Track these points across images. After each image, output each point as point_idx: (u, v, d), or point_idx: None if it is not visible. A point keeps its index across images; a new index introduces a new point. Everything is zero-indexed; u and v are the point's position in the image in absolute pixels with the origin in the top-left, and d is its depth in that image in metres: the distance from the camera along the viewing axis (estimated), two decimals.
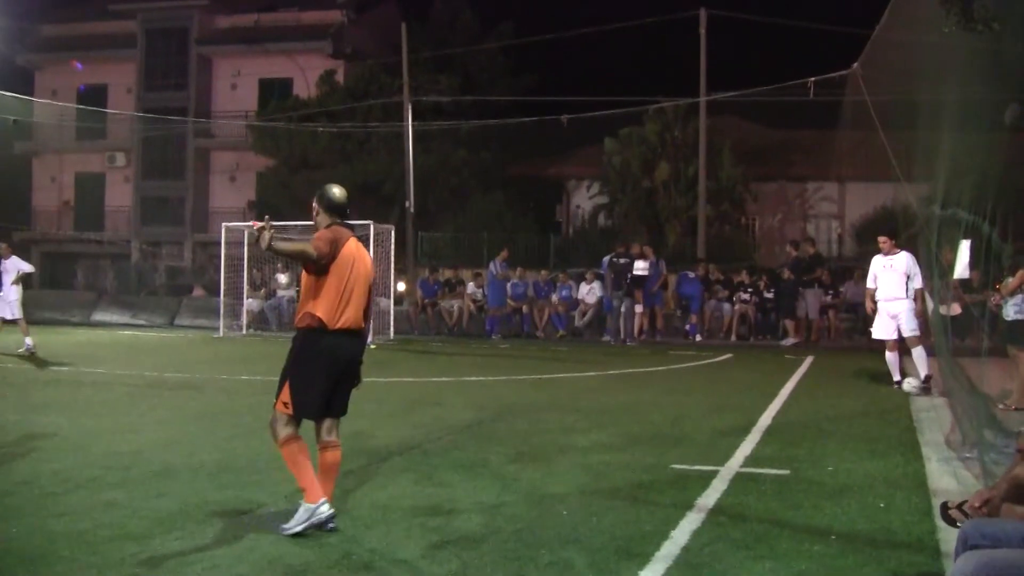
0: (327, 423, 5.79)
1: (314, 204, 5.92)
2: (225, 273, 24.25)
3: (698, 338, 22.31)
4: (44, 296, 31.50)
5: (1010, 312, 10.55)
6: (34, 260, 41.73)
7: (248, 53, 40.65)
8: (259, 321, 24.67)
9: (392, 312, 23.15)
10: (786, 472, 7.30)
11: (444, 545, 5.37)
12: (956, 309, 10.61)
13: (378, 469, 7.39)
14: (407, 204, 29.74)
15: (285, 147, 35.02)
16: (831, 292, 22.07)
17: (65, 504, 6.21)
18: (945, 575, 4.82)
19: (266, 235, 5.37)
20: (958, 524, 4.38)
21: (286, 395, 5.67)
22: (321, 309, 5.62)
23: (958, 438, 8.40)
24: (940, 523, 5.39)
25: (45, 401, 11.17)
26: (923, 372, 12.04)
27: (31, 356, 16.35)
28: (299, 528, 5.43)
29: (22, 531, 5.61)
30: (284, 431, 5.65)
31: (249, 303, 24.47)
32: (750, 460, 7.80)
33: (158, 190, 42.22)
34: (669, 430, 9.38)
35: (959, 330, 10.59)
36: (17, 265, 17.08)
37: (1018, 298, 10.42)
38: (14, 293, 16.89)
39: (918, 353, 12.08)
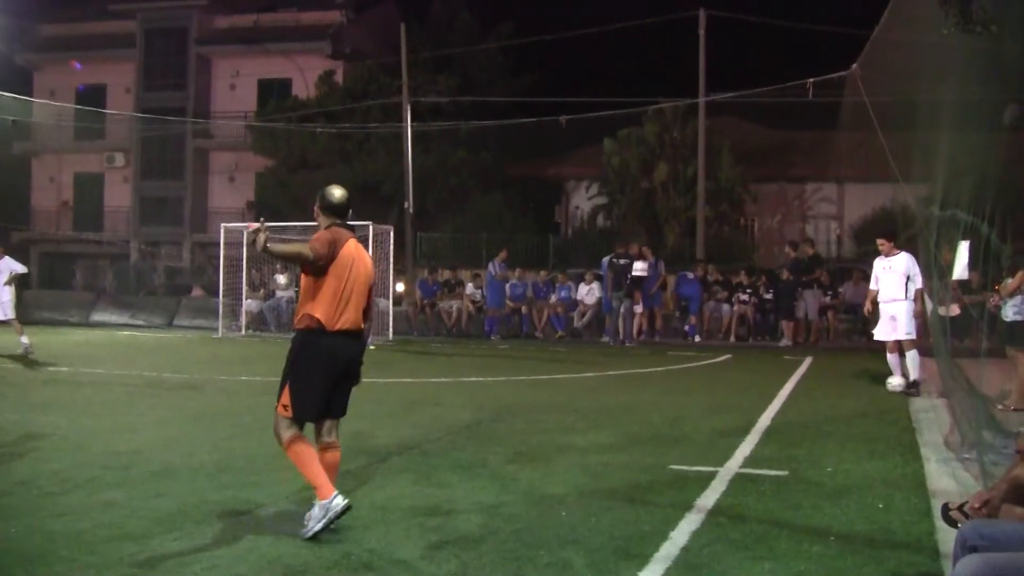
0: (327, 424, 5.80)
1: (315, 205, 5.91)
2: (224, 273, 24.24)
3: (697, 339, 22.31)
4: (43, 296, 31.54)
5: (1009, 313, 10.55)
6: (33, 260, 41.86)
7: (247, 53, 40.64)
8: (258, 322, 24.65)
9: (391, 313, 23.14)
10: (785, 473, 7.30)
11: (443, 545, 5.37)
12: (955, 310, 10.61)
13: (377, 469, 7.38)
14: (406, 205, 29.72)
15: (284, 147, 35.04)
16: (830, 293, 22.07)
17: (64, 504, 6.21)
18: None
19: (261, 237, 5.35)
20: (959, 525, 4.39)
21: (286, 397, 5.66)
22: (320, 310, 5.62)
23: (957, 439, 8.41)
24: (939, 524, 5.39)
25: (44, 401, 11.17)
26: (913, 375, 12.02)
27: (24, 356, 16.27)
28: (319, 527, 5.38)
29: (21, 531, 5.61)
30: (287, 433, 5.64)
31: (248, 304, 24.47)
32: (749, 461, 7.80)
33: (157, 190, 42.21)
34: (668, 431, 9.38)
35: (958, 331, 10.60)
36: (10, 266, 17.03)
37: (1017, 299, 10.42)
38: (6, 294, 16.83)
39: (911, 356, 12.07)
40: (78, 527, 5.66)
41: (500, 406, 11.03)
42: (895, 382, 12.34)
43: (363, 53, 37.49)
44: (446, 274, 25.62)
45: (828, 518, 6.00)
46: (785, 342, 21.06)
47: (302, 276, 5.79)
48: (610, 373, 15.35)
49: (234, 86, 41.61)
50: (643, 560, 5.10)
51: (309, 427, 5.80)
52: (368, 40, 38.97)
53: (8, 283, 16.88)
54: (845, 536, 5.60)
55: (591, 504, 6.32)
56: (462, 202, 33.79)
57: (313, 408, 5.66)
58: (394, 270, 24.32)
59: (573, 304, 23.80)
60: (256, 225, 5.52)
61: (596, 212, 33.50)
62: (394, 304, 24.12)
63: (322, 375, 5.63)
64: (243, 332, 23.85)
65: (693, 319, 22.76)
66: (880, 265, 12.56)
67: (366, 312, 5.87)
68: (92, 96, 41.27)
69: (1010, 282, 10.28)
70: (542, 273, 25.39)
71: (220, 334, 23.53)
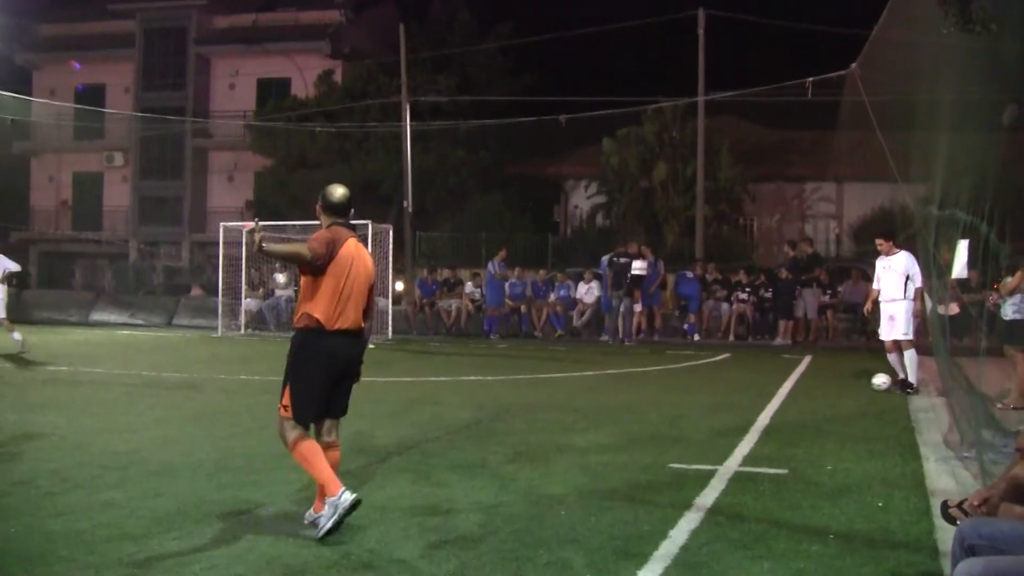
0: (327, 423, 5.79)
1: (317, 204, 5.90)
2: (223, 273, 24.26)
3: (696, 338, 22.31)
4: (42, 296, 31.57)
5: (1008, 312, 10.56)
6: (32, 260, 41.90)
7: (246, 53, 40.65)
8: (257, 321, 24.66)
9: (390, 312, 23.15)
10: (784, 472, 7.30)
11: (442, 545, 5.37)
12: (954, 309, 10.62)
13: (376, 469, 7.38)
14: (405, 204, 29.72)
15: (283, 147, 35.05)
16: (829, 292, 22.07)
17: (63, 504, 6.21)
18: (944, 575, 4.83)
19: (256, 237, 5.34)
20: (958, 523, 4.39)
21: (286, 398, 5.64)
22: (319, 310, 5.60)
23: (956, 438, 8.41)
24: (938, 523, 5.40)
25: (43, 400, 11.16)
26: (911, 375, 12.01)
27: (19, 354, 16.21)
28: (330, 525, 5.37)
29: (20, 530, 5.61)
30: (292, 434, 5.61)
31: (247, 303, 24.47)
32: (748, 460, 7.80)
33: (156, 190, 42.22)
34: (667, 430, 9.38)
35: (957, 330, 10.60)
36: (3, 264, 16.98)
37: (1016, 298, 10.43)
38: (0, 292, 16.78)
39: (909, 356, 12.06)
40: (77, 527, 5.66)
41: (499, 405, 11.03)
42: (878, 380, 12.35)
43: (362, 53, 37.51)
44: (445, 273, 25.63)
45: (827, 517, 6.00)
46: (779, 341, 21.06)
47: (301, 275, 5.78)
48: (609, 372, 15.35)
49: (233, 86, 41.62)
50: (642, 559, 5.10)
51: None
52: (367, 40, 38.99)
53: (1, 281, 16.83)
54: (844, 535, 5.60)
55: (590, 503, 6.32)
56: (461, 201, 33.79)
57: (312, 408, 5.65)
58: (393, 269, 24.33)
59: (572, 303, 23.81)
60: (251, 225, 5.50)
61: (595, 211, 33.51)
62: (393, 303, 24.15)
63: (321, 375, 5.62)
64: (242, 331, 23.85)
65: (692, 318, 22.76)
66: (880, 265, 12.56)
67: (367, 312, 5.86)
68: (91, 96, 41.29)
69: (1009, 281, 10.29)
70: (541, 272, 25.40)
71: (219, 333, 23.53)
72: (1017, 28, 7.28)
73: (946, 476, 7.12)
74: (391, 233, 23.95)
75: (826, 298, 21.91)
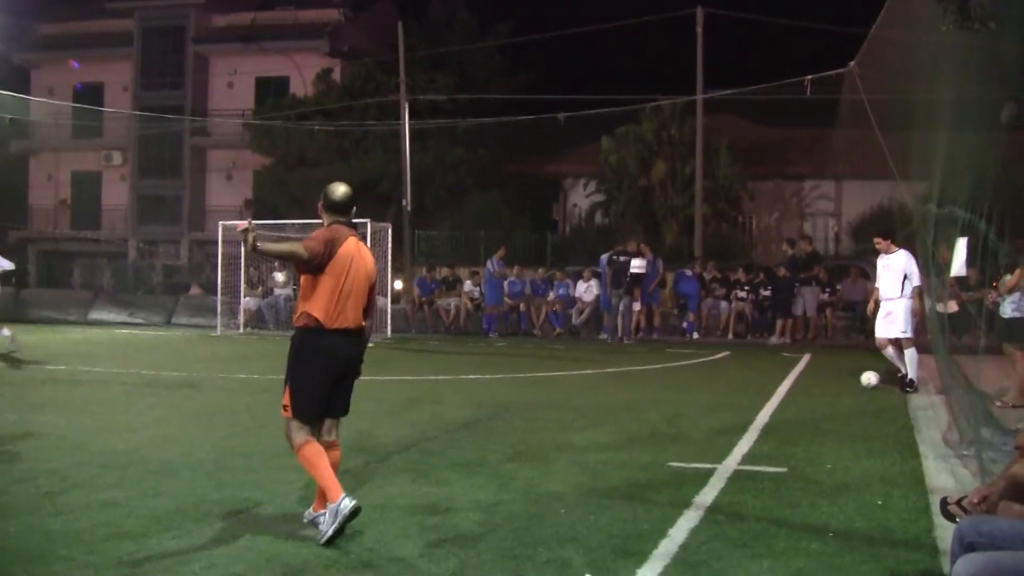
0: (327, 423, 5.77)
1: (319, 203, 5.88)
2: (222, 271, 24.26)
3: (695, 336, 22.32)
4: (41, 295, 31.52)
5: (1007, 310, 10.56)
6: (31, 259, 41.86)
7: (245, 51, 40.63)
8: (256, 320, 24.65)
9: (389, 310, 23.15)
10: (783, 470, 7.30)
11: (442, 543, 5.37)
12: (953, 307, 10.62)
13: (376, 468, 7.38)
14: (404, 202, 29.72)
15: (282, 145, 35.04)
16: (828, 290, 22.07)
17: (62, 503, 6.21)
18: (943, 573, 4.83)
19: (250, 237, 5.32)
20: (957, 520, 4.40)
21: (286, 397, 5.62)
22: (318, 308, 5.58)
23: (955, 436, 8.42)
24: (938, 520, 5.40)
25: (42, 400, 11.16)
26: (911, 374, 12.01)
27: (5, 355, 16.11)
28: (332, 531, 5.33)
29: (19, 530, 5.61)
30: (298, 437, 5.57)
31: (246, 301, 24.47)
32: (747, 458, 7.80)
33: (155, 188, 42.18)
34: (666, 428, 9.38)
35: (956, 328, 10.60)
36: None
37: (1015, 296, 10.43)
38: None
39: (909, 354, 12.06)
40: (76, 526, 5.66)
41: (498, 404, 11.03)
42: (866, 378, 12.36)
43: (361, 51, 37.49)
44: (444, 272, 25.64)
45: (826, 515, 6.00)
46: (775, 340, 21.06)
47: (299, 274, 5.76)
48: (608, 371, 15.35)
49: (232, 84, 41.59)
50: (642, 558, 5.11)
51: None
52: (366, 38, 38.99)
53: None
54: (844, 533, 5.61)
55: (590, 502, 6.32)
56: (460, 200, 33.78)
57: (312, 407, 5.62)
58: (392, 268, 24.32)
59: (571, 302, 23.81)
60: (244, 224, 5.46)
61: (594, 210, 33.52)
62: (392, 302, 24.14)
63: (321, 374, 5.60)
64: (241, 330, 23.85)
65: (691, 316, 22.77)
66: (880, 263, 12.56)
67: (367, 311, 5.83)
68: (90, 94, 41.26)
69: (1008, 279, 10.29)
70: (540, 271, 25.41)
71: (218, 332, 23.53)
72: (1016, 26, 7.28)
73: (945, 474, 7.13)
74: (390, 232, 23.95)
75: (825, 296, 21.90)
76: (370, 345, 6.13)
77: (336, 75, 37.22)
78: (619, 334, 21.46)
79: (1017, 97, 8.20)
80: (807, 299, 21.36)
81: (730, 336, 22.23)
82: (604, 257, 22.26)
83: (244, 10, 42.11)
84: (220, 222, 24.87)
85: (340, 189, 5.86)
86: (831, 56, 18.70)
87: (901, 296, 12.07)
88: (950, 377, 9.55)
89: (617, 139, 31.52)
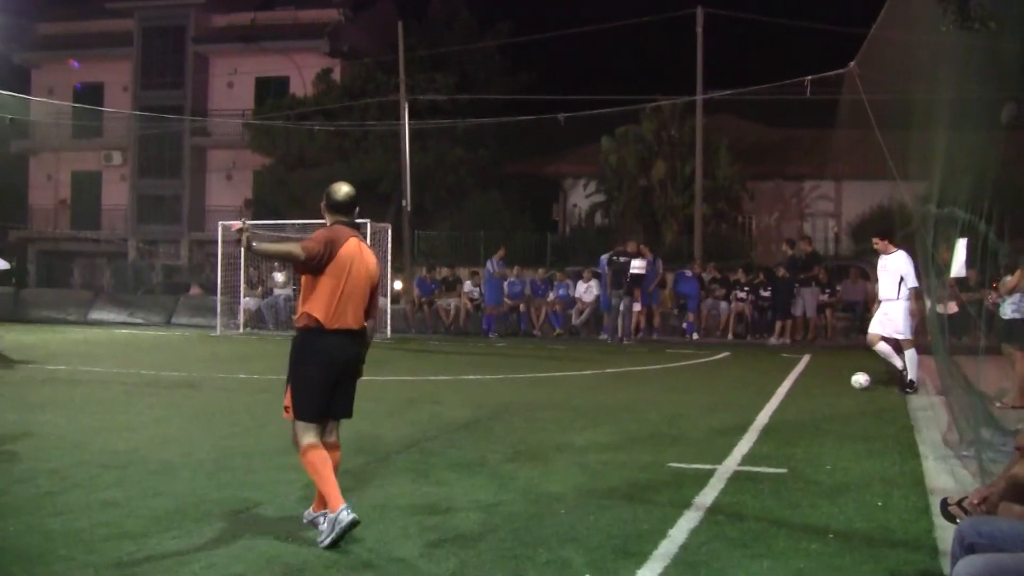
0: (328, 424, 5.73)
1: (321, 203, 5.85)
2: (222, 271, 24.25)
3: (695, 337, 22.31)
4: (41, 294, 31.54)
5: (1007, 311, 10.56)
6: (31, 259, 41.89)
7: (245, 51, 40.64)
8: (256, 320, 24.65)
9: (389, 310, 23.14)
10: (783, 471, 7.30)
11: (442, 544, 5.36)
12: (953, 307, 10.62)
13: (376, 468, 7.38)
14: (404, 202, 29.72)
15: (282, 145, 35.04)
16: (828, 291, 22.07)
17: (62, 503, 6.20)
18: (943, 574, 4.83)
19: (243, 237, 5.29)
20: (957, 521, 4.40)
21: (288, 399, 5.59)
22: (318, 309, 5.54)
23: (955, 437, 8.41)
24: (938, 521, 5.40)
25: (42, 400, 11.15)
26: (911, 375, 12.00)
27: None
28: (329, 540, 5.29)
29: (19, 529, 5.61)
30: (305, 438, 5.53)
31: (246, 301, 24.47)
32: (747, 459, 7.80)
33: (155, 188, 42.20)
34: (666, 429, 9.38)
35: (956, 328, 10.59)
36: None
37: (1016, 297, 10.43)
38: None
39: (909, 355, 12.04)
40: (76, 526, 5.66)
41: (498, 404, 11.03)
42: (857, 379, 12.36)
43: (361, 51, 37.50)
44: (444, 272, 25.63)
45: (826, 516, 6.00)
46: (774, 341, 21.06)
47: (298, 275, 5.72)
48: (608, 371, 15.35)
49: (232, 84, 41.60)
50: (642, 558, 5.10)
51: None
52: (366, 38, 39.00)
53: None
54: (844, 534, 5.61)
55: (590, 502, 6.31)
56: (460, 200, 33.78)
57: (313, 408, 5.58)
58: (392, 268, 24.32)
59: (571, 302, 23.81)
60: (238, 224, 5.42)
61: (594, 210, 33.51)
62: (392, 302, 24.14)
63: (321, 374, 5.56)
64: (241, 330, 23.85)
65: (691, 317, 22.76)
66: (879, 264, 12.56)
67: (369, 311, 5.78)
68: (90, 94, 41.27)
69: (1008, 280, 10.29)
70: (540, 271, 25.40)
71: (218, 332, 23.52)
72: (1016, 26, 7.28)
73: (945, 475, 7.12)
74: (390, 232, 23.95)
75: (825, 297, 21.90)
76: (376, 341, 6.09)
77: (336, 75, 37.24)
78: (619, 334, 21.46)
79: (1017, 97, 8.20)
80: (807, 300, 21.36)
81: (730, 337, 22.22)
82: (604, 258, 22.25)
83: (244, 10, 42.12)
84: (220, 222, 24.90)
85: (343, 189, 5.82)
86: (831, 56, 18.72)
87: (898, 298, 12.05)
88: (950, 378, 9.55)
89: (617, 139, 31.52)
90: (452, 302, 24.62)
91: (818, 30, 25.82)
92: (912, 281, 11.84)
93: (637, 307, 22.19)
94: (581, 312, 23.59)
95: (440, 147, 33.23)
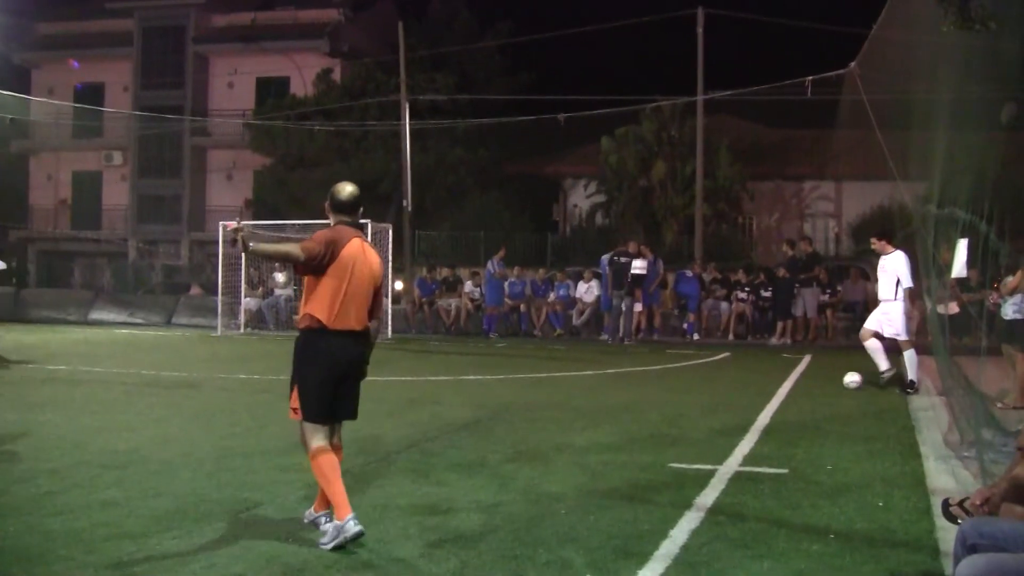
0: (332, 426, 5.70)
1: (326, 203, 5.81)
2: (222, 272, 24.23)
3: (696, 337, 22.30)
4: (41, 294, 31.56)
5: (1008, 311, 10.55)
6: (31, 258, 41.90)
7: (245, 52, 40.65)
8: (257, 320, 24.65)
9: (390, 311, 23.13)
10: (784, 471, 7.30)
11: (442, 544, 5.36)
12: (954, 308, 10.61)
13: (376, 468, 7.37)
14: (404, 203, 29.72)
15: (282, 145, 35.05)
16: (829, 291, 22.07)
17: (62, 503, 6.20)
18: (944, 574, 4.82)
19: (239, 237, 5.26)
20: (959, 521, 4.39)
21: (295, 400, 5.54)
22: (320, 310, 5.50)
23: (956, 437, 8.41)
24: (939, 522, 5.39)
25: (42, 399, 11.15)
26: (910, 375, 11.99)
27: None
28: (331, 546, 5.27)
29: (19, 529, 5.60)
30: (315, 443, 5.48)
31: (247, 302, 24.47)
32: (748, 459, 7.79)
33: (155, 188, 42.21)
34: (667, 429, 9.38)
35: (957, 329, 10.59)
36: None
37: (1017, 298, 10.42)
38: None
39: (908, 356, 12.04)
40: (76, 526, 5.65)
41: (499, 404, 11.02)
42: (849, 379, 12.36)
43: (361, 51, 37.52)
44: (444, 272, 25.62)
45: (827, 516, 6.00)
46: (775, 341, 21.05)
47: (299, 275, 5.66)
48: (609, 371, 15.35)
49: (232, 84, 41.61)
50: (642, 558, 5.10)
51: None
52: (366, 38, 39.01)
53: None
54: (844, 534, 5.60)
55: (590, 503, 6.31)
56: (460, 200, 33.79)
57: (320, 409, 5.52)
58: (393, 268, 24.31)
59: (572, 302, 23.80)
60: (233, 224, 5.38)
61: (594, 210, 33.49)
62: (393, 302, 24.13)
63: (323, 374, 5.51)
64: (242, 330, 23.85)
65: (692, 317, 22.75)
66: (879, 265, 12.55)
67: (373, 312, 5.73)
68: (90, 94, 41.30)
69: (1009, 280, 10.28)
70: (540, 271, 25.41)
71: (219, 332, 23.52)
72: (1016, 26, 7.28)
73: (946, 475, 7.12)
74: (390, 232, 23.94)
75: (825, 297, 21.90)
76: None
77: (336, 75, 37.25)
78: (620, 334, 21.45)
79: (1017, 97, 8.20)
80: (807, 300, 21.35)
81: (730, 337, 22.21)
82: (605, 258, 22.24)
83: (244, 10, 42.14)
84: (220, 222, 24.86)
85: (347, 189, 5.78)
86: (832, 57, 18.74)
87: (896, 299, 12.05)
88: (951, 378, 9.55)
89: (617, 139, 31.50)
90: (453, 302, 24.62)
91: (819, 30, 25.85)
92: (907, 281, 11.83)
93: (638, 307, 22.17)
94: (582, 312, 23.59)
95: (440, 147, 33.23)
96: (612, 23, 36.89)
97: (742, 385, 13.24)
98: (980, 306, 10.83)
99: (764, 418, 9.97)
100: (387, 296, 23.01)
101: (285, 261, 5.54)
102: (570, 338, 22.87)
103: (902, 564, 5.09)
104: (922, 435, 8.98)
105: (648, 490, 6.71)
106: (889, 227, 13.29)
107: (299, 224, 21.52)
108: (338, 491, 5.39)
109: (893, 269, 12.06)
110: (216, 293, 24.73)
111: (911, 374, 11.98)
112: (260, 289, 25.21)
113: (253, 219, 29.29)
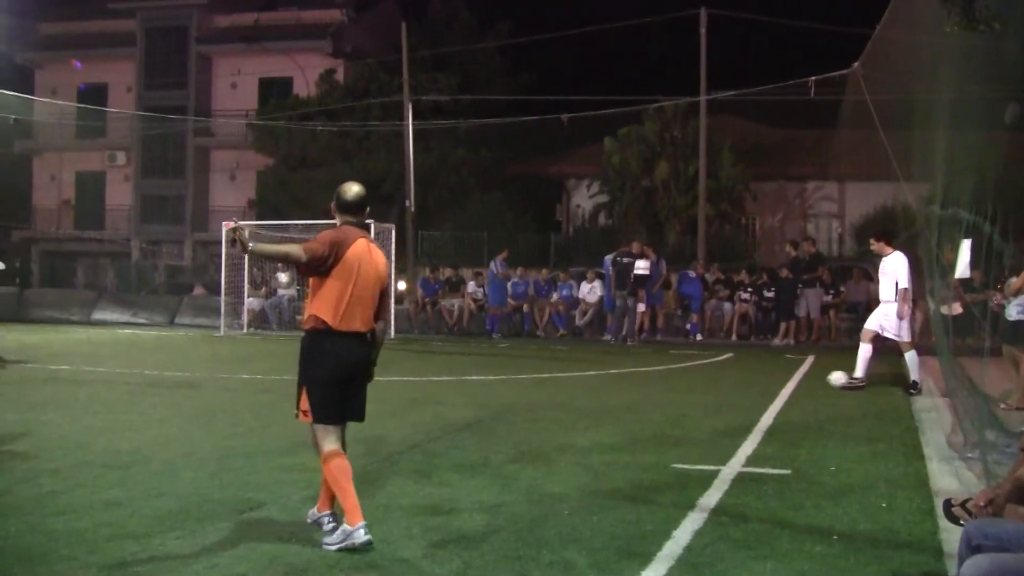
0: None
1: (332, 203, 5.77)
2: (226, 272, 24.25)
3: (699, 337, 22.30)
4: (44, 295, 31.61)
5: (1013, 312, 10.53)
6: (34, 259, 41.96)
7: (248, 52, 40.70)
8: (260, 320, 24.67)
9: (393, 311, 23.13)
10: (787, 472, 7.29)
11: (445, 544, 5.35)
12: (957, 309, 10.59)
13: (379, 468, 7.37)
14: (407, 203, 29.74)
15: (285, 146, 35.09)
16: (832, 291, 22.05)
17: (65, 502, 6.20)
18: (948, 575, 4.81)
19: (238, 237, 5.23)
20: (961, 522, 4.38)
21: (304, 403, 5.49)
22: (325, 311, 5.46)
23: (960, 438, 8.39)
24: (942, 523, 5.38)
25: (45, 399, 11.15)
26: (912, 375, 11.97)
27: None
28: (335, 548, 5.25)
29: (21, 529, 5.60)
30: (326, 444, 5.43)
31: (250, 302, 24.48)
32: (751, 460, 7.78)
33: (158, 189, 42.26)
34: (670, 430, 9.37)
35: (960, 330, 10.57)
36: None
37: (1021, 298, 10.39)
38: None
39: (910, 356, 12.02)
40: (79, 526, 5.65)
41: (501, 405, 11.02)
42: (834, 378, 12.34)
43: (363, 52, 37.55)
44: (447, 272, 25.62)
45: (830, 517, 5.99)
46: (778, 342, 21.03)
47: (302, 276, 5.63)
48: (612, 372, 15.34)
49: (235, 85, 41.67)
50: (646, 559, 5.09)
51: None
52: (368, 39, 39.01)
53: None
54: (848, 535, 5.59)
55: (593, 503, 6.30)
56: (463, 200, 33.80)
57: (333, 408, 5.47)
58: (396, 269, 24.32)
59: (575, 302, 23.80)
60: (231, 225, 5.35)
61: (597, 210, 33.48)
62: (396, 302, 24.13)
63: (329, 375, 5.47)
64: (245, 330, 23.86)
65: (695, 318, 22.74)
66: (880, 266, 12.54)
67: (379, 312, 5.69)
68: (93, 95, 41.35)
69: (1014, 281, 10.26)
70: (543, 271, 25.39)
71: (222, 332, 23.53)
72: (1020, 27, 7.27)
73: (949, 476, 7.10)
74: (393, 232, 23.95)
75: (828, 298, 21.89)
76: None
77: (339, 75, 37.28)
78: (623, 334, 21.44)
79: (1020, 97, 8.18)
80: (810, 301, 21.33)
81: (733, 338, 22.21)
82: (608, 258, 22.22)
83: (247, 10, 42.18)
84: (223, 222, 24.87)
85: (352, 189, 5.75)
86: (835, 57, 18.74)
87: (892, 300, 12.03)
88: (954, 379, 9.53)
89: (620, 140, 31.49)
90: (456, 303, 24.62)
91: (822, 31, 25.85)
92: (904, 282, 11.82)
93: (641, 308, 22.16)
94: (585, 313, 23.58)
95: (443, 147, 33.26)
96: (614, 23, 36.93)
97: (745, 386, 13.23)
98: (984, 307, 10.80)
99: (767, 419, 9.96)
100: (390, 296, 23.04)
101: (286, 262, 5.50)
102: (573, 338, 22.87)
103: (905, 565, 5.08)
104: (925, 436, 8.97)
105: (651, 491, 6.70)
106: (888, 228, 13.27)
107: (301, 224, 21.53)
108: (350, 497, 5.35)
109: (893, 270, 12.05)
110: (219, 293, 24.75)
111: (913, 375, 11.97)
112: (263, 289, 25.23)
113: (256, 219, 29.32)
